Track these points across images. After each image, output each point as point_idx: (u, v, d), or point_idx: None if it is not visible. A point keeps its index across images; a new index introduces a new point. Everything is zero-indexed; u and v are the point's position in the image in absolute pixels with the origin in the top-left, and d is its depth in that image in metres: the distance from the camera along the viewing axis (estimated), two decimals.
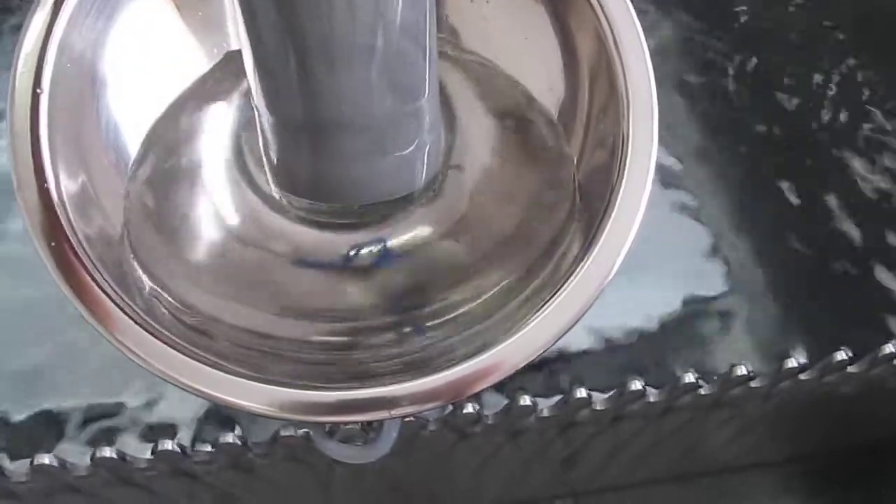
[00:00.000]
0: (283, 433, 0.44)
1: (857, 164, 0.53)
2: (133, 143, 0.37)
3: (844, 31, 0.58)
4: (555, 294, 0.32)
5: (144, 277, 0.35)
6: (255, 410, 0.31)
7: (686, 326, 0.48)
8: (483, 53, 0.40)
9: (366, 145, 0.33)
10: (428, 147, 0.35)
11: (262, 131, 0.35)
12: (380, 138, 0.33)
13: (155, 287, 0.34)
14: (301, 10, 0.27)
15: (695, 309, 0.48)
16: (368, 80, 0.30)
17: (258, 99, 0.33)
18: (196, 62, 0.39)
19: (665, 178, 0.52)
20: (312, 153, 0.34)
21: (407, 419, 0.44)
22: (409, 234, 0.37)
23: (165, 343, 0.31)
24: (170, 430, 0.44)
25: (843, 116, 0.54)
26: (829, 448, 0.80)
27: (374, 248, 0.37)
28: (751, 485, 0.81)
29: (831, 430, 0.73)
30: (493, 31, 0.40)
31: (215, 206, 0.37)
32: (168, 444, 0.43)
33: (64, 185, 0.33)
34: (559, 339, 0.32)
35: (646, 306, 0.48)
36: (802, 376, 0.48)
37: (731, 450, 0.70)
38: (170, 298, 0.34)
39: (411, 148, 0.34)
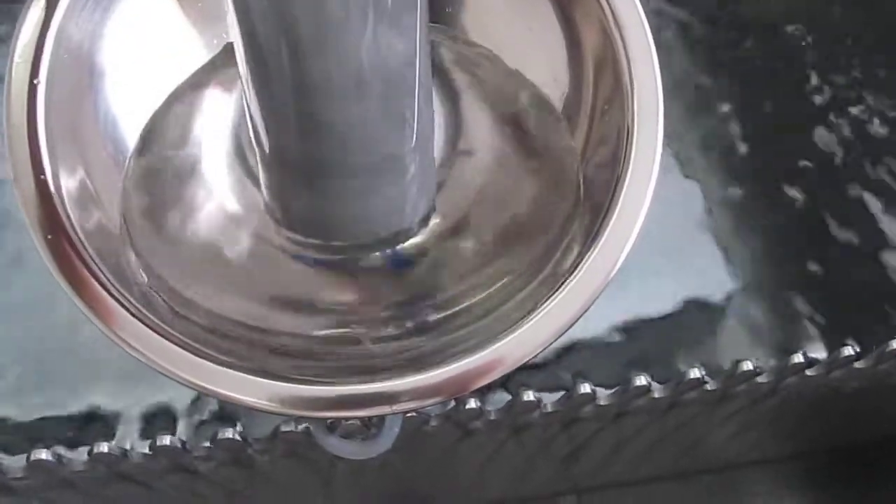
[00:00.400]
0: (284, 429, 0.44)
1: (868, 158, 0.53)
2: (131, 135, 0.36)
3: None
4: (558, 288, 0.32)
5: (143, 270, 0.34)
6: (254, 406, 0.30)
7: (691, 321, 0.47)
8: (487, 45, 0.40)
9: (359, 186, 0.33)
10: (420, 185, 0.35)
11: (260, 165, 0.35)
12: (373, 179, 0.33)
13: (153, 280, 0.34)
14: (300, 49, 0.27)
15: (701, 304, 0.48)
16: (363, 123, 0.30)
17: (257, 136, 0.33)
18: (195, 53, 0.38)
19: (669, 173, 0.51)
20: (306, 194, 0.34)
21: (409, 415, 0.44)
22: None
23: (164, 337, 0.31)
24: (169, 425, 0.43)
25: (852, 112, 0.54)
26: (831, 445, 0.80)
27: None
28: (753, 482, 0.81)
29: (835, 426, 0.73)
30: (497, 23, 0.40)
31: (215, 199, 0.37)
32: (167, 440, 0.43)
33: (61, 177, 0.33)
34: (563, 334, 0.31)
35: (651, 300, 0.47)
36: (809, 371, 0.48)
37: (734, 447, 0.70)
38: (168, 292, 0.34)
39: (404, 188, 0.34)
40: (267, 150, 0.33)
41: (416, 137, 0.32)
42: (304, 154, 0.32)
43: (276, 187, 0.35)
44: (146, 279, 0.34)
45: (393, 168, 0.33)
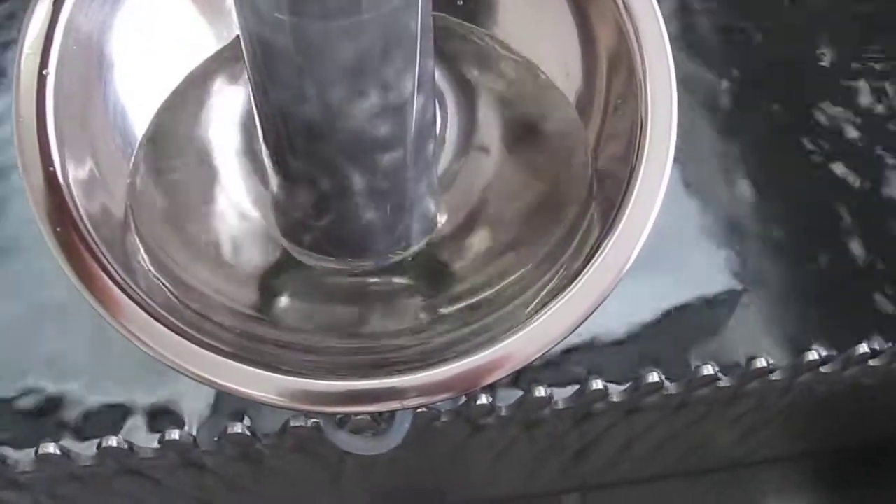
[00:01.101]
0: (293, 423, 0.44)
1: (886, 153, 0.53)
2: (140, 126, 0.36)
3: None
4: (571, 283, 0.31)
5: (149, 262, 0.34)
6: (263, 400, 0.30)
7: (704, 318, 0.47)
8: (500, 38, 0.39)
9: (367, 208, 0.33)
10: (425, 207, 0.35)
11: (270, 178, 0.35)
12: (380, 202, 0.33)
13: (160, 272, 0.34)
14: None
15: (714, 300, 0.47)
16: (373, 159, 0.31)
17: (268, 163, 0.34)
18: (205, 45, 0.38)
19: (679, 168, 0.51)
20: (314, 215, 0.34)
21: (419, 410, 0.44)
22: None
23: (173, 330, 0.31)
24: (177, 419, 0.43)
25: (869, 102, 0.54)
26: (841, 444, 0.80)
27: None
28: (762, 481, 0.81)
29: (846, 425, 0.73)
30: (509, 17, 0.40)
31: (222, 191, 0.37)
32: (175, 434, 0.43)
33: (70, 168, 0.33)
34: (575, 329, 0.31)
35: (664, 297, 0.47)
36: (823, 369, 0.48)
37: (744, 445, 0.70)
38: (172, 280, 0.34)
39: (409, 211, 0.34)
40: (276, 174, 0.33)
41: (417, 161, 0.32)
42: (305, 170, 0.32)
43: (285, 204, 0.35)
44: (153, 271, 0.34)
45: (399, 193, 0.33)
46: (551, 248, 0.35)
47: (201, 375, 0.30)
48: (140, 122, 0.36)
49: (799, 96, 0.54)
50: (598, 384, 0.45)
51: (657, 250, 0.42)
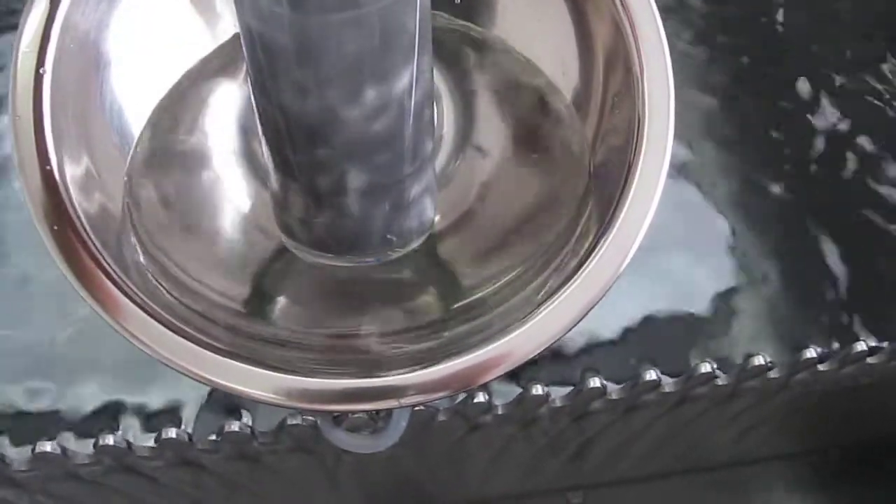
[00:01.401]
0: (290, 422, 0.44)
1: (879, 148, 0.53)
2: (137, 124, 0.36)
3: None
4: (569, 280, 0.31)
5: (147, 260, 0.34)
6: (261, 398, 0.30)
7: (703, 316, 0.47)
8: (497, 35, 0.39)
9: (366, 205, 0.33)
10: (423, 205, 0.35)
11: (271, 176, 0.35)
12: (379, 199, 0.33)
13: (158, 271, 0.34)
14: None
15: (712, 298, 0.47)
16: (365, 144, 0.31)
17: (268, 160, 0.34)
18: (202, 43, 0.38)
19: (677, 167, 0.51)
20: (314, 211, 0.34)
21: (416, 408, 0.44)
22: None
23: (171, 329, 0.31)
24: (174, 417, 0.43)
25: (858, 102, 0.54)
26: (841, 442, 0.80)
27: None
28: (761, 479, 0.81)
29: (845, 423, 0.73)
30: (506, 15, 0.40)
31: (220, 189, 0.37)
32: (172, 432, 0.42)
33: (67, 167, 0.33)
34: (573, 327, 0.31)
35: (662, 294, 0.47)
36: (821, 367, 0.48)
37: (743, 443, 0.70)
38: (169, 279, 0.34)
39: (407, 208, 0.34)
40: (275, 171, 0.33)
41: (415, 158, 0.32)
42: (305, 167, 0.32)
43: (283, 201, 0.35)
44: (150, 268, 0.34)
45: (397, 193, 0.33)
46: (549, 245, 0.35)
47: (199, 374, 0.30)
48: (137, 120, 0.36)
49: (800, 92, 0.54)
50: (595, 382, 0.45)
51: (655, 248, 0.42)
